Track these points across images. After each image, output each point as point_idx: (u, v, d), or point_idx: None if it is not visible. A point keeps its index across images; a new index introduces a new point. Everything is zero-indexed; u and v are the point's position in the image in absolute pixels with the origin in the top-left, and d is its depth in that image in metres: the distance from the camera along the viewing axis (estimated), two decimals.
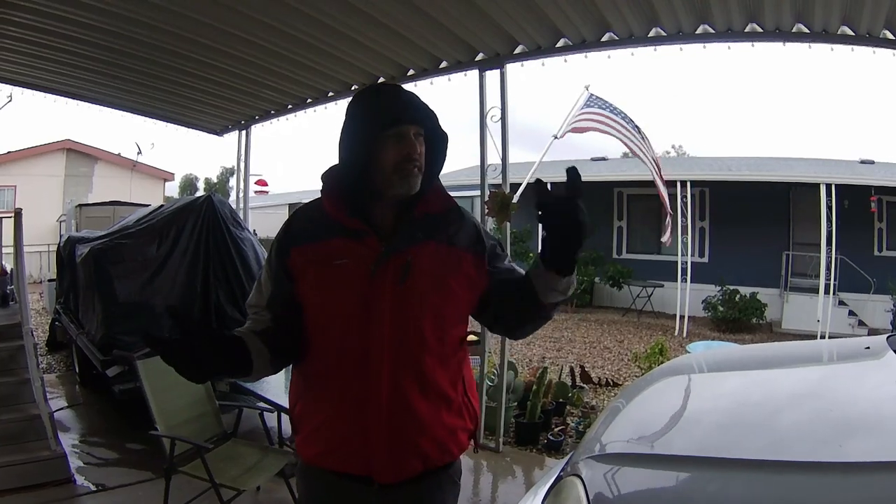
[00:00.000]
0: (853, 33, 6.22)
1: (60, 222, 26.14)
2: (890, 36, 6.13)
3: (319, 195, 2.85)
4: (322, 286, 2.68)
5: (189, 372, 2.44)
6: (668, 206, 16.70)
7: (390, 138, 2.68)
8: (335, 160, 2.82)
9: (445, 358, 2.74)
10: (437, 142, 2.84)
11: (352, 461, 2.72)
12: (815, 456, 2.49)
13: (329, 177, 2.84)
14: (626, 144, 15.14)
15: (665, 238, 17.58)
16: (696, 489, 2.51)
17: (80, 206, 21.30)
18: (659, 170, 16.08)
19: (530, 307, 2.72)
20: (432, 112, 2.81)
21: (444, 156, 2.90)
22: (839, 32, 6.25)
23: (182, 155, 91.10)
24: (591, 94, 14.84)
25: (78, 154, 34.04)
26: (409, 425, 2.67)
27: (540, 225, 2.49)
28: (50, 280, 15.87)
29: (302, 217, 2.88)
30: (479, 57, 7.48)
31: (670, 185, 19.91)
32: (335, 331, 2.67)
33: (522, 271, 2.82)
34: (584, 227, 2.43)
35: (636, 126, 15.18)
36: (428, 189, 2.81)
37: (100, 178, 34.24)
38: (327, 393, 2.76)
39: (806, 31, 6.32)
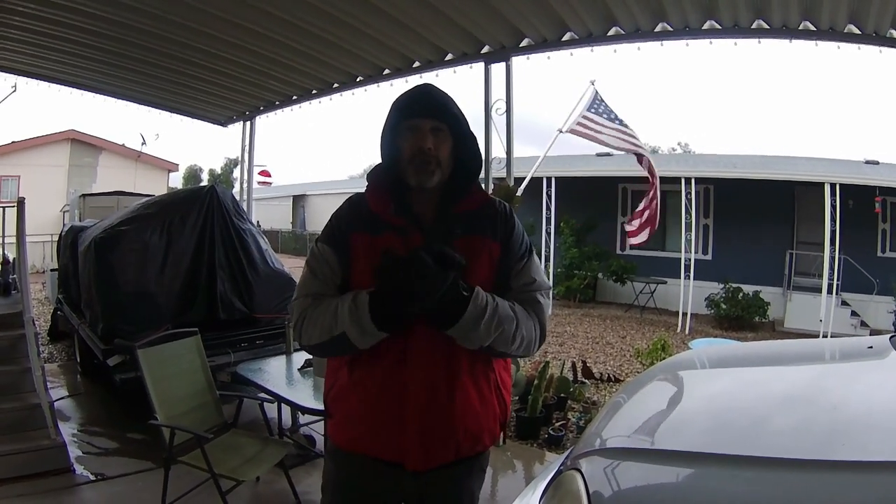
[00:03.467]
0: (860, 32, 6.22)
1: (64, 212, 26.07)
2: None
3: (356, 192, 3.01)
4: (371, 275, 2.70)
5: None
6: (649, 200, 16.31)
7: (407, 130, 2.80)
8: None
9: (478, 351, 2.78)
10: (468, 141, 2.92)
11: (385, 448, 2.82)
12: (816, 454, 2.47)
13: (373, 174, 2.97)
14: (616, 145, 15.11)
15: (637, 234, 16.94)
16: (696, 485, 2.51)
17: (84, 196, 21.20)
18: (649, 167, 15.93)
19: None
20: (458, 112, 2.88)
21: (478, 155, 2.99)
22: (846, 31, 6.26)
23: (186, 146, 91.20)
24: (597, 94, 14.84)
25: (82, 144, 34.00)
26: (443, 417, 2.77)
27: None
28: (52, 270, 15.84)
29: (354, 210, 2.97)
30: (485, 49, 7.49)
31: (674, 181, 19.97)
32: None
33: (530, 288, 2.94)
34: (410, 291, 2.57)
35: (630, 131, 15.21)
36: (470, 188, 2.94)
37: (104, 169, 34.21)
38: (366, 380, 2.84)
39: (813, 28, 6.33)
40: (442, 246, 2.59)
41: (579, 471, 2.73)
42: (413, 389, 2.74)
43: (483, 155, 2.99)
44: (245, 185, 12.55)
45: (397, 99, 2.91)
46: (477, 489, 3.09)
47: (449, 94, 2.94)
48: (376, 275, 2.63)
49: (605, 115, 14.93)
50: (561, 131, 14.70)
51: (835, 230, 18.15)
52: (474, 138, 2.96)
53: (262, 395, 6.26)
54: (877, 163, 23.76)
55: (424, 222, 2.85)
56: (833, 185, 18.49)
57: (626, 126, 15.14)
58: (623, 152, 15.49)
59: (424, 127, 2.78)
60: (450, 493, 2.97)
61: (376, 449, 2.84)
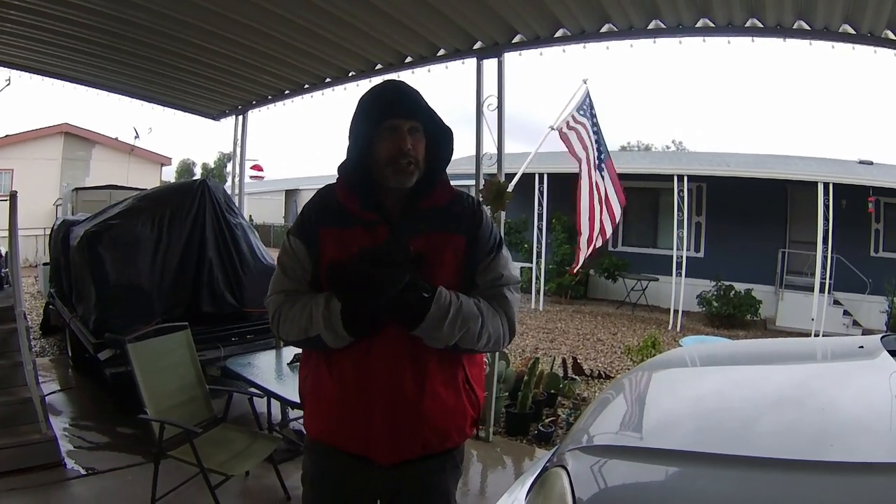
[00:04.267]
0: (855, 32, 6.20)
1: (57, 206, 26.04)
2: (892, 36, 6.11)
3: (327, 184, 3.03)
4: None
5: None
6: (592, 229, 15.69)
7: (384, 132, 2.79)
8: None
9: (445, 349, 2.78)
10: (440, 138, 2.92)
11: (352, 442, 2.84)
12: (805, 454, 2.48)
13: (343, 169, 2.94)
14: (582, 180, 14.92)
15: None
16: (682, 484, 2.51)
17: (77, 189, 21.22)
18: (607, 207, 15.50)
19: None
20: (432, 108, 2.88)
21: (450, 151, 2.98)
22: (841, 30, 6.24)
23: (180, 140, 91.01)
24: (587, 95, 14.82)
25: (75, 138, 33.81)
26: (408, 413, 2.77)
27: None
28: (45, 264, 15.82)
29: (324, 202, 2.98)
30: (478, 45, 7.46)
31: (667, 179, 20.05)
32: None
33: (501, 284, 2.95)
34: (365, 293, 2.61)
35: (602, 151, 15.06)
36: (437, 183, 2.93)
37: (97, 162, 34.09)
38: (333, 374, 2.85)
39: (807, 27, 6.31)
40: (386, 248, 2.64)
41: (565, 468, 2.73)
42: (377, 384, 2.76)
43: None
44: (237, 180, 12.52)
45: (369, 97, 2.91)
46: (452, 485, 3.09)
47: (418, 89, 2.93)
48: (329, 287, 2.73)
49: (590, 127, 14.90)
50: (552, 128, 14.70)
51: (828, 229, 18.17)
52: (448, 132, 2.96)
53: (252, 389, 6.27)
54: (870, 163, 23.83)
55: (392, 217, 2.86)
56: (826, 185, 18.52)
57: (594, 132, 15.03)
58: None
59: (403, 128, 2.79)
60: (422, 488, 2.97)
61: (344, 442, 2.88)
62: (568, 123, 14.28)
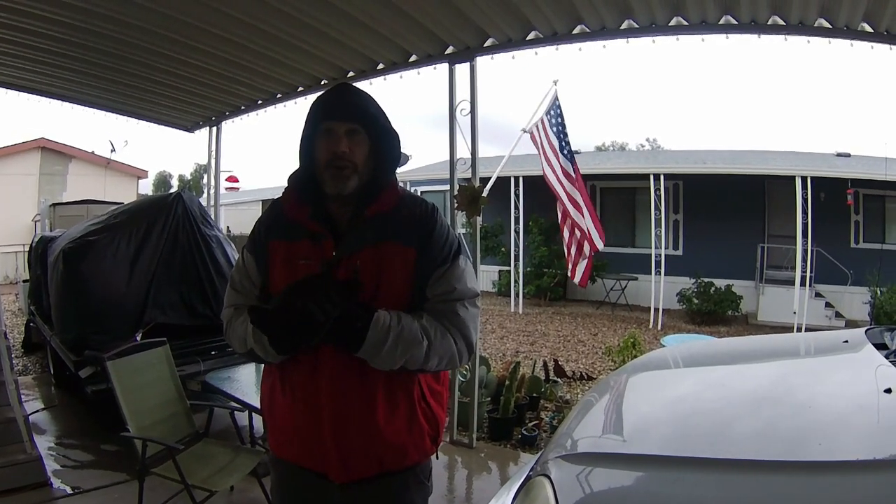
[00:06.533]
0: (830, 26, 6.20)
1: (35, 222, 25.98)
2: (868, 29, 6.11)
3: (277, 197, 2.98)
4: (285, 284, 2.65)
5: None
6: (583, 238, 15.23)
7: (321, 135, 2.75)
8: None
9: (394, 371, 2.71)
10: (385, 141, 2.85)
11: (308, 458, 2.81)
12: (793, 455, 2.47)
13: (292, 179, 2.91)
14: (549, 179, 14.72)
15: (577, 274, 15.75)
16: (667, 490, 2.48)
17: (54, 205, 21.20)
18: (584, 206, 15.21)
19: None
20: (375, 111, 2.82)
21: (396, 154, 2.93)
22: (816, 25, 6.24)
23: (156, 152, 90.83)
24: (556, 97, 14.80)
25: (52, 152, 33.73)
26: (358, 430, 2.72)
27: None
28: (25, 280, 15.76)
29: (274, 214, 2.94)
30: (449, 50, 7.47)
31: (643, 178, 20.16)
32: None
33: (451, 298, 2.81)
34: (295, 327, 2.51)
35: (571, 155, 14.91)
36: (384, 187, 2.84)
37: (74, 177, 34.01)
38: (286, 391, 2.82)
39: (782, 23, 6.30)
40: (311, 286, 2.54)
41: (548, 476, 2.71)
42: (326, 401, 2.71)
43: (401, 152, 2.90)
44: (213, 191, 12.49)
45: (313, 103, 2.85)
46: (419, 501, 3.00)
47: (367, 93, 2.89)
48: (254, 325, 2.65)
49: (553, 129, 14.84)
50: (524, 131, 14.71)
51: (807, 223, 18.30)
52: (396, 136, 2.89)
53: (233, 403, 6.25)
54: (848, 155, 24.02)
55: (340, 227, 2.80)
56: (804, 179, 18.66)
57: (563, 141, 14.92)
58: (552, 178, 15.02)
59: (339, 130, 2.72)
60: None
61: (300, 458, 2.85)
62: (538, 126, 14.29)
